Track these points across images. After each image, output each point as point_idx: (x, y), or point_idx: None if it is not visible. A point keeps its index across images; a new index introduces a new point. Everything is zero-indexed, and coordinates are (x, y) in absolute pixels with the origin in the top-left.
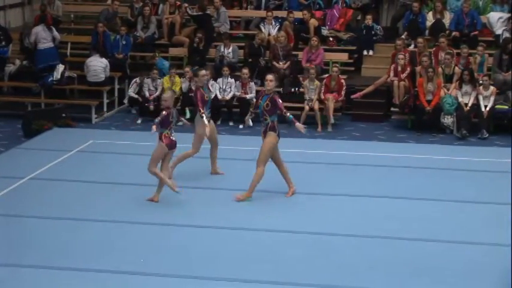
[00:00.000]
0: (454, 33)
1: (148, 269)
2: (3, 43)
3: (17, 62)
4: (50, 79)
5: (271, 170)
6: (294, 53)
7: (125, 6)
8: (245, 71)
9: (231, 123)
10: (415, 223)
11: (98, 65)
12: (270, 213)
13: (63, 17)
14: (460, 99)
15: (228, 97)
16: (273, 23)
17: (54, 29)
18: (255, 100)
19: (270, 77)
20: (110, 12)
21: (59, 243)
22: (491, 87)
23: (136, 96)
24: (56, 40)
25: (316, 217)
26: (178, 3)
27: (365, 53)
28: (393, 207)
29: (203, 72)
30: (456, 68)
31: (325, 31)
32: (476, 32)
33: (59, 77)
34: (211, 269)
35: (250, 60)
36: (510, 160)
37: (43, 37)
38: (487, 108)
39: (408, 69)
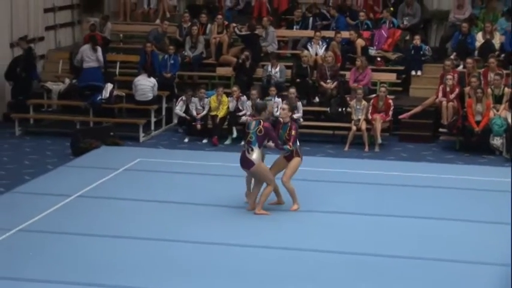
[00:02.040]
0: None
1: (190, 286)
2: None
3: (67, 80)
4: (98, 98)
5: (310, 189)
6: (341, 73)
7: (173, 26)
8: (292, 90)
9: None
10: (460, 245)
11: (145, 84)
12: (314, 232)
13: (112, 36)
14: (509, 121)
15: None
16: (320, 43)
17: (99, 50)
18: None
19: (283, 106)
20: (158, 32)
21: (104, 260)
22: None
23: (183, 114)
24: (99, 62)
25: (361, 237)
26: (226, 23)
27: (413, 73)
28: (440, 229)
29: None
30: (506, 88)
31: (372, 51)
32: None
33: (107, 95)
34: None
35: (297, 80)
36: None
37: (88, 56)
38: None
39: (457, 90)
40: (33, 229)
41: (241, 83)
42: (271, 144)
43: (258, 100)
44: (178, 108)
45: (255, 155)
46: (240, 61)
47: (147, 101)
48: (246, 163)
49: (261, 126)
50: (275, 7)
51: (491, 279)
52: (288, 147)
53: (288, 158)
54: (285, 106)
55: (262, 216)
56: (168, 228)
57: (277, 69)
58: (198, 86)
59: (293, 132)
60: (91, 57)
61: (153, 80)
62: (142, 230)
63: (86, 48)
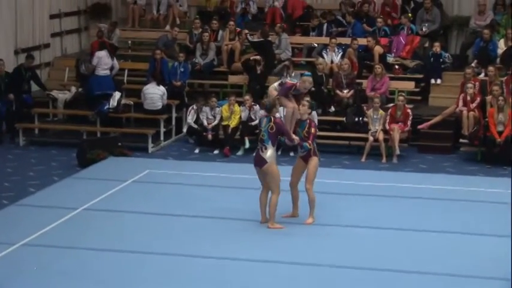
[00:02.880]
0: None
1: None
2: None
3: (73, 89)
4: (106, 107)
5: (325, 202)
6: (358, 81)
7: (183, 33)
8: (307, 99)
9: (291, 154)
10: (479, 259)
11: (155, 93)
12: (329, 247)
13: (121, 43)
14: None
15: None
16: (336, 50)
17: (115, 58)
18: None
19: (303, 102)
20: (168, 39)
21: (111, 276)
22: None
23: (196, 126)
24: (115, 69)
25: (378, 252)
26: (239, 29)
27: (432, 81)
28: (459, 244)
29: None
30: None
31: (390, 59)
32: None
33: (115, 104)
34: None
35: (312, 88)
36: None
37: (105, 63)
38: None
39: (478, 98)
40: (37, 243)
41: (254, 91)
42: (288, 142)
43: (267, 99)
44: (190, 118)
45: (269, 153)
46: (251, 63)
47: (156, 110)
48: (259, 161)
49: (272, 123)
50: (289, 13)
51: None
52: (308, 145)
53: (305, 158)
54: (305, 102)
55: (275, 230)
56: (178, 242)
57: (292, 75)
58: (209, 94)
59: (312, 130)
60: (108, 65)
61: (162, 89)
62: (150, 245)
63: (103, 55)
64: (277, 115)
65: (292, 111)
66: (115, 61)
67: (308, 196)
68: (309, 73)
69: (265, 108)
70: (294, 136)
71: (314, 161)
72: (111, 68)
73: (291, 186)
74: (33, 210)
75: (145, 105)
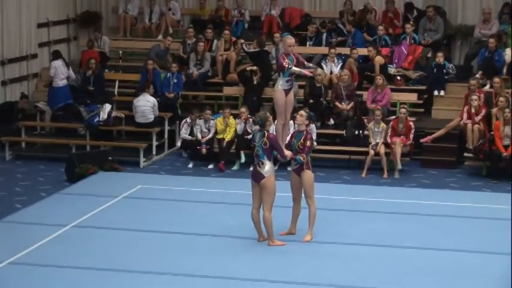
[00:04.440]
0: None
1: None
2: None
3: None
4: (95, 119)
5: (325, 219)
6: (358, 92)
7: (176, 42)
8: (305, 110)
9: (289, 168)
10: (484, 279)
11: (145, 105)
12: (334, 266)
13: (111, 53)
14: None
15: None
16: (336, 60)
17: (70, 67)
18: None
19: (301, 112)
20: (161, 48)
21: None
22: None
23: (189, 137)
24: (70, 78)
25: (380, 271)
26: (234, 39)
27: (436, 93)
28: (463, 262)
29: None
30: None
31: (392, 69)
32: None
33: (105, 117)
34: None
35: (310, 100)
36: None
37: (62, 73)
38: None
39: (483, 111)
40: (24, 262)
41: (250, 103)
42: (280, 158)
43: (259, 113)
44: (184, 132)
45: (267, 168)
46: (248, 69)
47: (148, 123)
48: (256, 176)
49: (265, 139)
50: (287, 22)
51: None
52: (302, 158)
53: (297, 171)
54: (303, 113)
55: (272, 248)
56: (171, 261)
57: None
58: (204, 106)
59: (308, 143)
60: (64, 75)
61: (152, 100)
62: (142, 263)
63: (60, 65)
64: (272, 127)
65: (281, 126)
66: (70, 71)
67: (309, 211)
68: (286, 33)
69: (257, 124)
70: (286, 152)
71: (307, 174)
72: (68, 78)
73: (293, 202)
74: (20, 227)
75: (137, 119)
